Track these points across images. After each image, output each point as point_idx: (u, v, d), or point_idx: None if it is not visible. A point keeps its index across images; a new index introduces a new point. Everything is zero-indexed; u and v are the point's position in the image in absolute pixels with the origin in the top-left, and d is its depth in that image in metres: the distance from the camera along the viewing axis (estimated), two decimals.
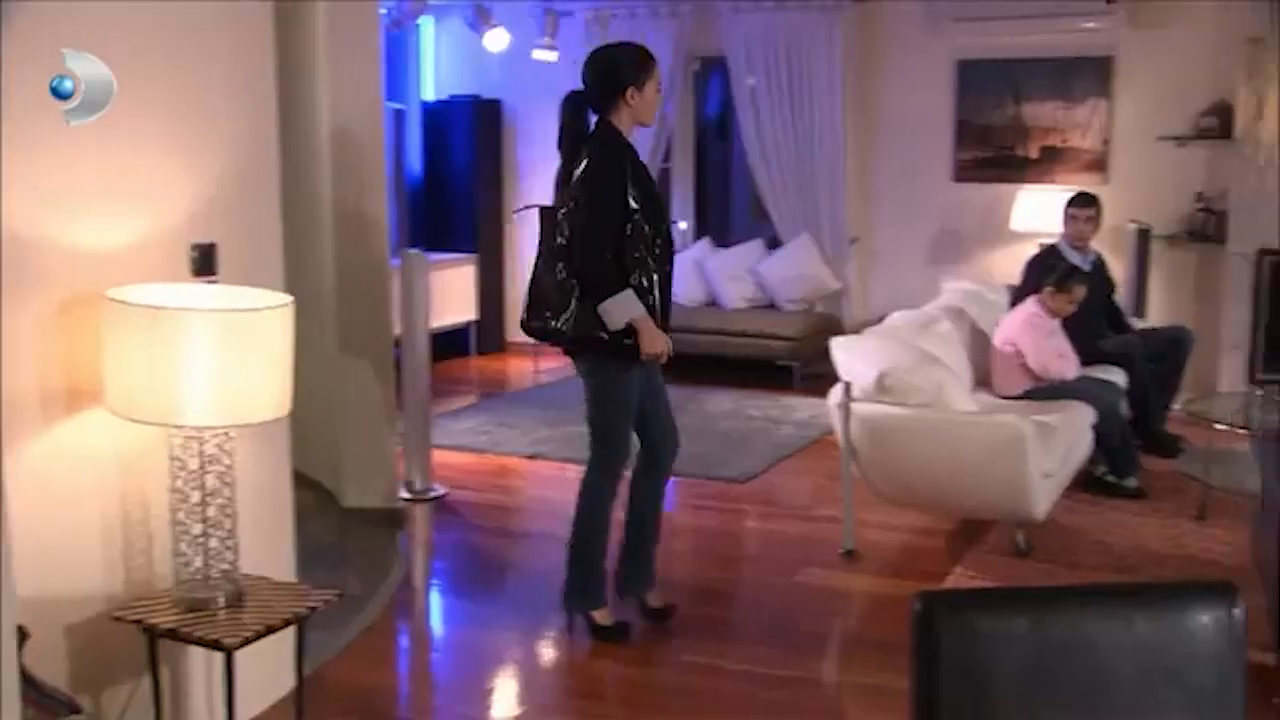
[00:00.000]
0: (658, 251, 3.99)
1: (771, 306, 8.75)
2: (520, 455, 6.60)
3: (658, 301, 4.00)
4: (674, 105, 9.13)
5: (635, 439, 4.22)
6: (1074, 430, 5.33)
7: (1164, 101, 7.74)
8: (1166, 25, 7.63)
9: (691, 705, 3.86)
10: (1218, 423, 5.45)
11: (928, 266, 8.27)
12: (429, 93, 9.72)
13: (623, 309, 3.90)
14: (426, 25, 9.54)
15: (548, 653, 4.29)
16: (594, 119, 4.08)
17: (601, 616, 4.22)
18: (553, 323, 3.99)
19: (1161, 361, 6.41)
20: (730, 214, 11.27)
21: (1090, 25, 7.84)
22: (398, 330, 5.68)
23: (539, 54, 8.74)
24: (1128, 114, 7.89)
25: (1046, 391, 5.69)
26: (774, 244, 8.96)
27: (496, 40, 8.86)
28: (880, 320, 6.05)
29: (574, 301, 3.94)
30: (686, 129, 9.57)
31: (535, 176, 9.62)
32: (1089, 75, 7.92)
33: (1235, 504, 5.23)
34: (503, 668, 4.23)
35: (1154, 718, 1.66)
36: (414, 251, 6.00)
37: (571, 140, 4.07)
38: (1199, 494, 5.52)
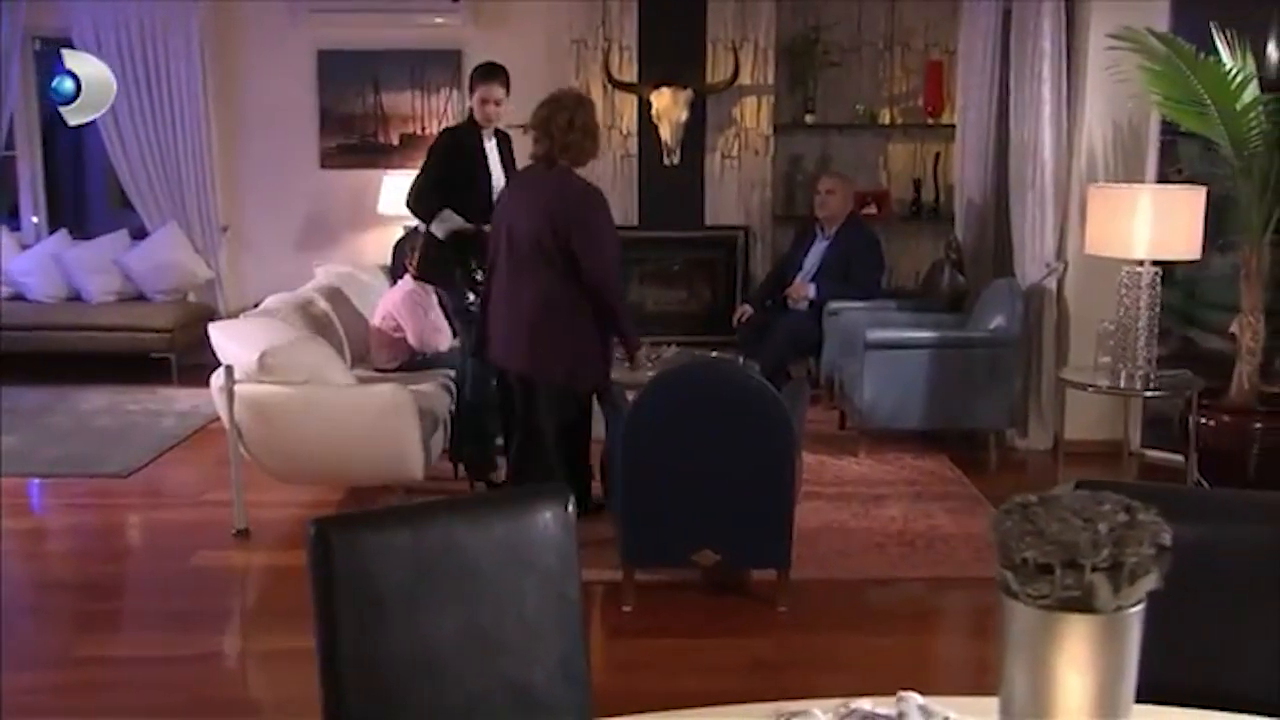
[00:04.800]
0: None
1: (141, 298, 8.46)
2: None
3: None
4: (14, 89, 8.53)
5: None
6: (444, 397, 5.76)
7: (511, 93, 8.44)
8: (504, 25, 8.33)
9: (88, 701, 3.79)
10: None
11: (300, 252, 8.42)
12: None
13: None
14: None
15: None
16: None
17: None
18: None
19: None
20: (87, 204, 10.69)
21: (440, 21, 8.34)
22: None
23: None
24: None
25: (420, 362, 6.09)
26: (141, 234, 8.66)
27: None
28: (256, 306, 6.13)
29: None
30: (31, 114, 8.93)
31: None
32: (441, 67, 8.46)
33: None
34: None
35: (514, 599, 2.01)
36: None
37: None
38: None
